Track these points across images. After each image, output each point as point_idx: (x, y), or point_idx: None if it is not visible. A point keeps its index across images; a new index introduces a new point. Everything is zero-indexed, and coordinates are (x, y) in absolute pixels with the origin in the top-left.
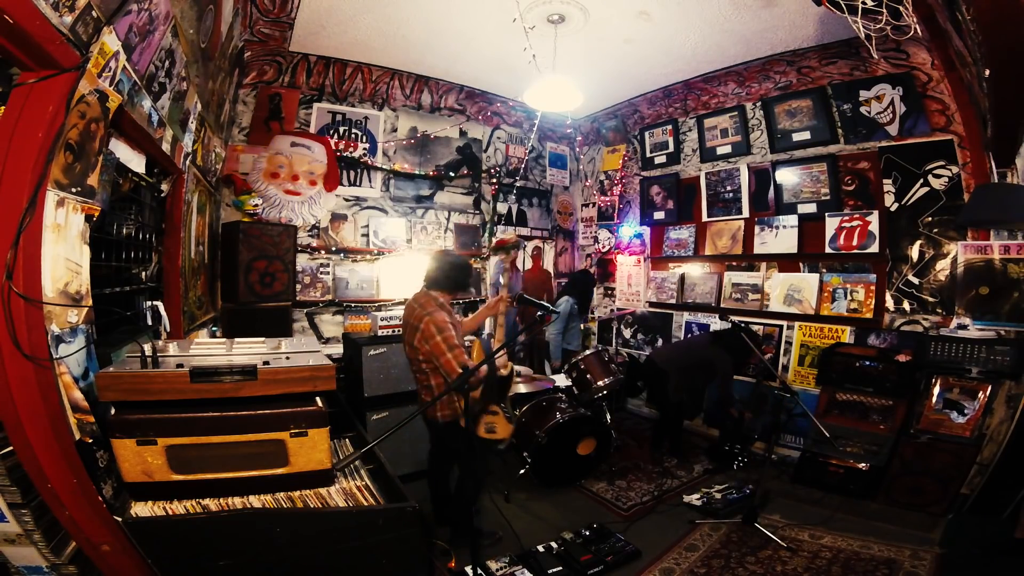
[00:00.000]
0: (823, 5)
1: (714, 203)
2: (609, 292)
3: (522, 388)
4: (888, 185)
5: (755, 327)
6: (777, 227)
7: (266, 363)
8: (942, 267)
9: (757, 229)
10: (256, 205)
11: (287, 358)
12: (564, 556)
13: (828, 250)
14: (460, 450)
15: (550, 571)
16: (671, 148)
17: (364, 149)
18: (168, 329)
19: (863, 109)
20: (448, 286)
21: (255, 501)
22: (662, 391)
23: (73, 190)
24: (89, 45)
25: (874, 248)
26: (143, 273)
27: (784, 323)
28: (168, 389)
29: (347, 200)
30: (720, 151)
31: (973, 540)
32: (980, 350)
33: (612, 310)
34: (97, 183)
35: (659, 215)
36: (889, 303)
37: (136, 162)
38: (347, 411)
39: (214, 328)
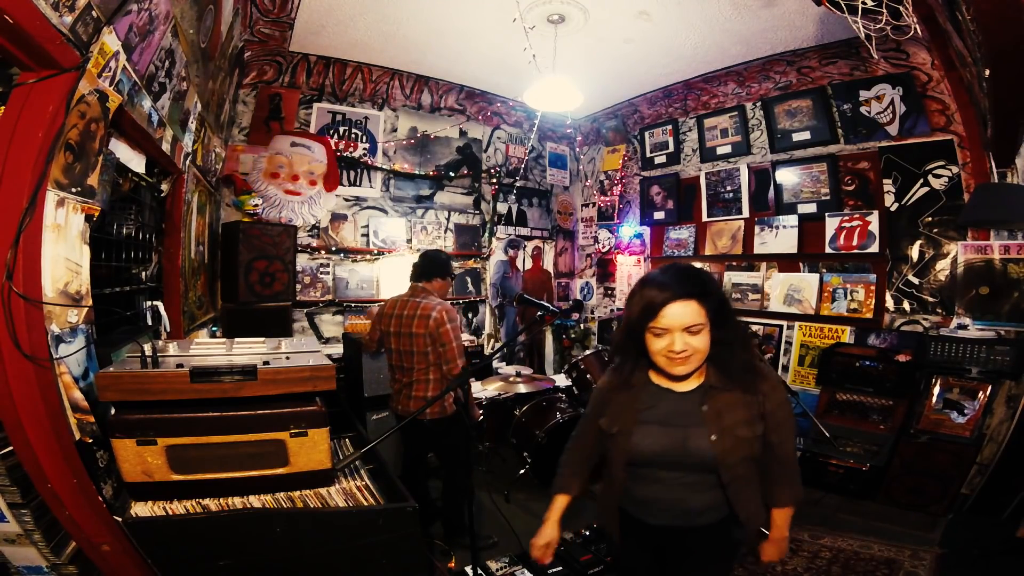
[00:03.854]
0: (823, 5)
1: (714, 203)
2: (609, 292)
3: (522, 388)
4: (888, 185)
5: (755, 327)
6: (777, 227)
7: (266, 363)
8: (942, 267)
9: (757, 229)
10: (256, 205)
11: (287, 358)
12: (564, 556)
13: (828, 250)
14: (449, 446)
15: (550, 571)
16: (671, 148)
17: (364, 149)
18: (168, 329)
19: (863, 109)
20: (434, 274)
21: (255, 501)
22: None
23: (73, 190)
24: (89, 45)
25: (874, 248)
26: (143, 273)
27: (784, 323)
28: (168, 389)
29: (347, 200)
30: (720, 151)
31: (973, 540)
32: (980, 350)
33: (612, 310)
34: (97, 183)
35: (659, 215)
36: (889, 303)
37: (136, 162)
38: (347, 411)
39: (214, 328)
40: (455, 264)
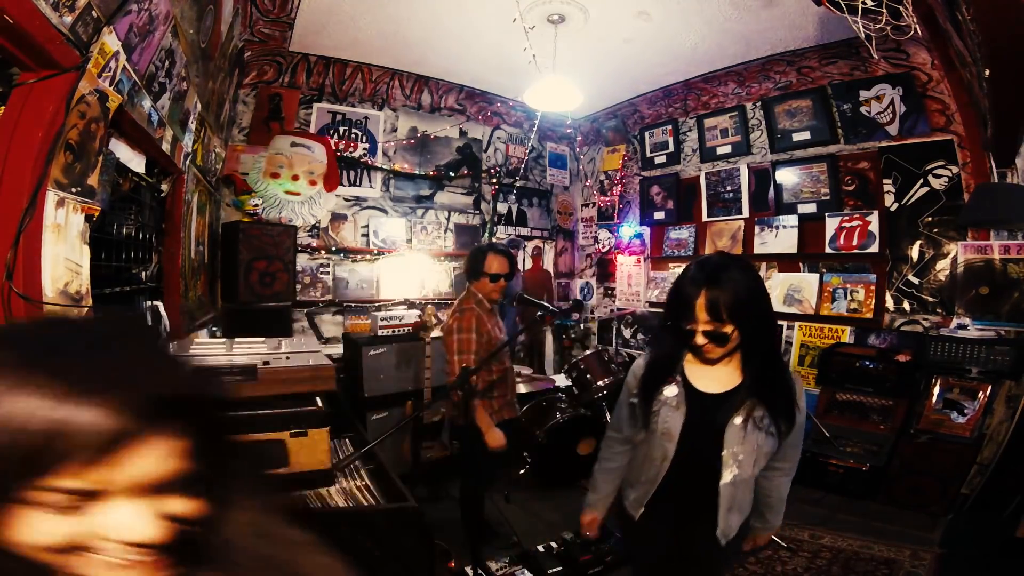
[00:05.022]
0: (823, 5)
1: (714, 203)
2: (609, 292)
3: (522, 388)
4: (888, 185)
5: None
6: (777, 227)
7: (266, 363)
8: (942, 267)
9: (757, 229)
10: (256, 205)
11: (287, 358)
12: (564, 556)
13: (828, 250)
14: (464, 452)
15: (550, 571)
16: (671, 148)
17: (364, 149)
18: (168, 329)
19: (863, 109)
20: (468, 275)
21: None
22: None
23: (73, 190)
24: (89, 45)
25: (874, 248)
26: (143, 273)
27: (784, 323)
28: None
29: (347, 200)
30: (720, 151)
31: (973, 540)
32: (980, 350)
33: (612, 310)
34: (97, 183)
35: (659, 215)
36: (889, 303)
37: (136, 162)
38: (347, 411)
39: (214, 328)
40: (457, 264)
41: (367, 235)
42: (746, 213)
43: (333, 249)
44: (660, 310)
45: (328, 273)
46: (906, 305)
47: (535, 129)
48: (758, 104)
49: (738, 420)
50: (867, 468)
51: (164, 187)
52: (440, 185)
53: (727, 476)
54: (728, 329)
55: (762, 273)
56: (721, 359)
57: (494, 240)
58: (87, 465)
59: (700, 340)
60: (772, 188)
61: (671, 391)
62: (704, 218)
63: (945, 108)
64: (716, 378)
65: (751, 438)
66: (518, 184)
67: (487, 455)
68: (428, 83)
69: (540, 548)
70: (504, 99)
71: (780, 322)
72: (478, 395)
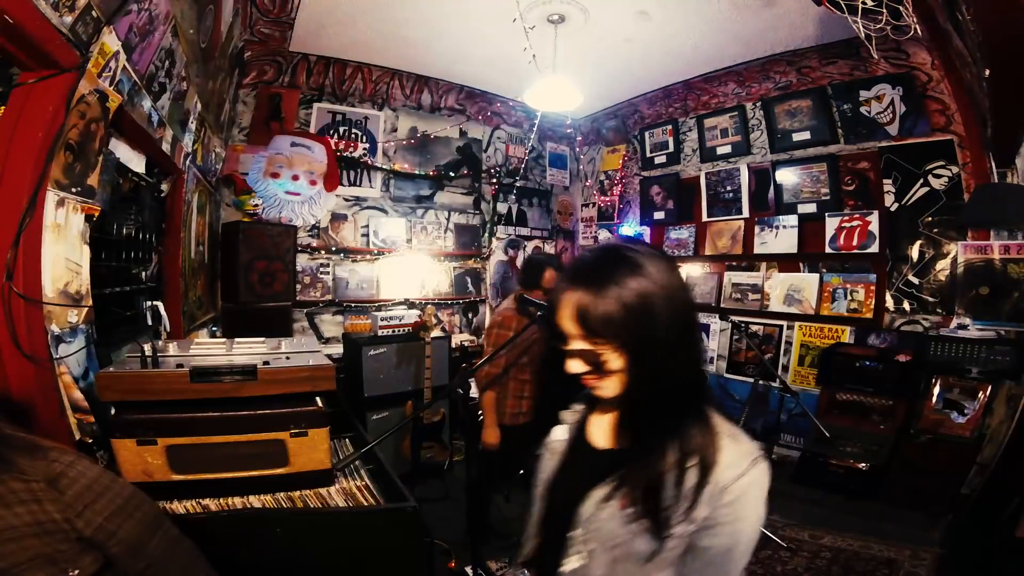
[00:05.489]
0: (823, 5)
1: (714, 203)
2: None
3: None
4: (888, 185)
5: (755, 327)
6: (777, 227)
7: (266, 363)
8: (942, 267)
9: (757, 229)
10: (256, 205)
11: (287, 358)
12: None
13: (828, 250)
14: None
15: None
16: (671, 148)
17: (364, 149)
18: (168, 329)
19: (863, 109)
20: (523, 282)
21: (255, 501)
22: None
23: (73, 190)
24: (89, 45)
25: (874, 248)
26: (143, 273)
27: (784, 323)
28: (168, 389)
29: (347, 200)
30: (720, 151)
31: (973, 540)
32: (980, 350)
33: None
34: (97, 183)
35: (659, 215)
36: (889, 303)
37: (136, 162)
38: (347, 411)
39: (214, 328)
40: (457, 264)
41: (367, 235)
42: (746, 213)
43: (333, 249)
44: None
45: (328, 273)
46: (906, 305)
47: (535, 129)
48: (758, 104)
49: (598, 494)
50: (867, 468)
51: (164, 187)
52: (440, 185)
53: (567, 566)
54: (605, 352)
55: (762, 273)
56: (622, 401)
57: (494, 239)
58: None
59: (573, 366)
60: (772, 188)
61: (559, 434)
62: (704, 218)
63: (945, 108)
64: (608, 428)
65: (610, 526)
66: (518, 184)
67: (485, 452)
68: (428, 83)
69: None
70: (504, 99)
71: (780, 322)
72: (488, 388)
